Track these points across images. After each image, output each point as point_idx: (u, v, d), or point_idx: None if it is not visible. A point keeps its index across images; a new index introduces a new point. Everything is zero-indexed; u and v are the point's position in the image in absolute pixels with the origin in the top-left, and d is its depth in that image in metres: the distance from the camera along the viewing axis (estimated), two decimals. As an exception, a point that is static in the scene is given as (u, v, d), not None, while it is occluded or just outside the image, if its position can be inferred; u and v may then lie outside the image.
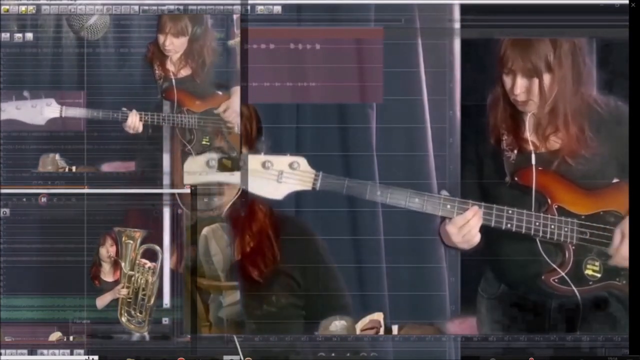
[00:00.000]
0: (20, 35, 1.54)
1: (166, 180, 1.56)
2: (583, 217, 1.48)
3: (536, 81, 1.44)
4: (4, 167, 1.54)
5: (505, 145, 1.50)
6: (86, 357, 1.54)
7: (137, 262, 1.54)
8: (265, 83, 1.52)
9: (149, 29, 1.54)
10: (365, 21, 1.53)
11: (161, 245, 1.54)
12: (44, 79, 1.55)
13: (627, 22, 1.51)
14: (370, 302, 1.53)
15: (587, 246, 1.47)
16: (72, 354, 1.54)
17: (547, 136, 1.49)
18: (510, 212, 1.44)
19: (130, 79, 1.55)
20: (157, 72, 1.57)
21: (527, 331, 1.53)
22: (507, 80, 1.46)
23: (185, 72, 1.59)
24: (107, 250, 1.54)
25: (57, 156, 1.55)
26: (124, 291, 1.54)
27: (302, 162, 1.40)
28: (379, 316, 1.51)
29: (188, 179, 1.50)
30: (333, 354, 1.52)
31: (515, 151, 1.50)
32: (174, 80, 1.58)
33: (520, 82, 1.45)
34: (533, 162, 1.48)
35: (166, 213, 1.54)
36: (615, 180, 1.50)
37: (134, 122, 1.55)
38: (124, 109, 1.55)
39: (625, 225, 1.48)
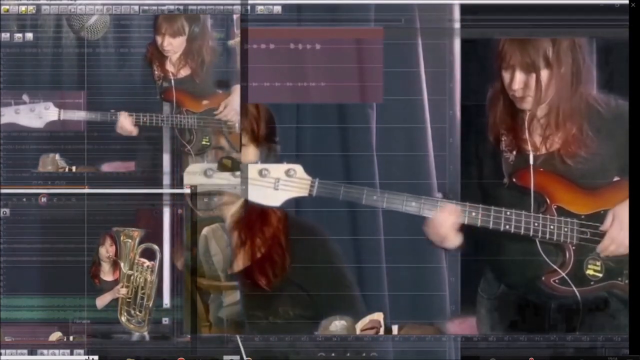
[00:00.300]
0: (20, 35, 1.54)
1: (166, 180, 1.56)
2: (583, 216, 1.47)
3: (534, 76, 1.44)
4: (4, 167, 1.54)
5: (504, 146, 1.50)
6: (86, 357, 1.54)
7: (136, 261, 1.54)
8: (265, 83, 1.52)
9: (149, 29, 1.54)
10: (365, 21, 1.53)
11: (161, 245, 1.54)
12: (44, 79, 1.55)
13: (627, 22, 1.51)
14: (370, 302, 1.53)
15: (587, 246, 1.47)
16: (72, 354, 1.54)
17: (547, 136, 1.49)
18: (508, 213, 1.44)
19: (130, 79, 1.55)
20: (156, 72, 1.57)
21: (527, 331, 1.53)
22: (506, 75, 1.47)
23: (184, 72, 1.59)
24: (107, 250, 1.54)
25: (57, 156, 1.56)
26: (124, 290, 1.54)
27: (298, 169, 1.42)
28: (379, 316, 1.51)
29: (188, 180, 1.50)
30: (333, 354, 1.52)
31: (514, 152, 1.50)
32: (173, 81, 1.58)
33: (519, 77, 1.45)
34: (531, 162, 1.48)
35: (166, 213, 1.54)
36: (615, 179, 1.50)
37: (124, 123, 1.55)
38: (112, 110, 1.55)
39: (619, 209, 1.47)
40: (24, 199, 1.54)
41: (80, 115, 1.55)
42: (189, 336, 1.54)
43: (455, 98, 1.53)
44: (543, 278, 1.48)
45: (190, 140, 1.59)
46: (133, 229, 1.54)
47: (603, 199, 1.49)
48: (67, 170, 1.55)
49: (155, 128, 1.57)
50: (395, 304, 1.54)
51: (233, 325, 1.54)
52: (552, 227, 1.46)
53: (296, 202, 1.49)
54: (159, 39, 1.55)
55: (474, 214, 1.44)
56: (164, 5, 1.53)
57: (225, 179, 1.46)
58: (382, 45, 1.52)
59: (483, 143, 1.52)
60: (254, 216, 1.50)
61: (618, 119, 1.50)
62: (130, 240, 1.54)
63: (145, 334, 1.55)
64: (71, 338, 1.55)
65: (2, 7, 1.53)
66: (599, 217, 1.48)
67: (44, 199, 1.54)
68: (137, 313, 1.55)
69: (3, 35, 1.54)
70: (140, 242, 1.54)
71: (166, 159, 1.57)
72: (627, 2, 1.51)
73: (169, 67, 1.57)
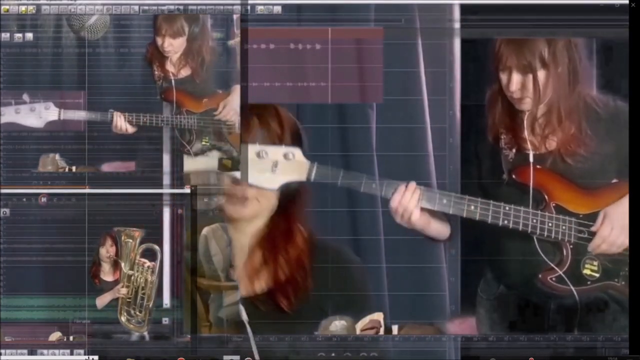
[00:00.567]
0: (20, 35, 1.54)
1: (166, 180, 1.56)
2: (581, 215, 1.48)
3: (531, 77, 1.44)
4: (4, 167, 1.54)
5: (503, 144, 1.51)
6: (86, 357, 1.54)
7: (137, 261, 1.54)
8: (265, 83, 1.52)
9: (149, 29, 1.54)
10: (365, 21, 1.53)
11: (161, 245, 1.54)
12: (44, 79, 1.55)
13: (627, 22, 1.51)
14: (370, 302, 1.53)
15: (585, 245, 1.48)
16: (72, 354, 1.54)
17: (546, 135, 1.49)
18: (507, 208, 1.45)
19: (130, 80, 1.55)
20: (156, 72, 1.57)
21: (527, 332, 1.53)
22: (503, 77, 1.47)
23: (185, 72, 1.59)
24: (107, 250, 1.54)
25: (57, 156, 1.56)
26: (124, 290, 1.54)
27: (297, 152, 1.41)
28: (379, 316, 1.51)
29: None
30: (333, 354, 1.52)
31: (514, 150, 1.50)
32: (173, 81, 1.58)
33: (516, 79, 1.45)
34: (531, 160, 1.48)
35: (166, 213, 1.54)
36: (614, 181, 1.50)
37: (118, 122, 1.55)
38: (111, 110, 1.55)
39: (611, 208, 1.47)
40: (24, 199, 1.54)
41: (80, 115, 1.55)
42: (189, 336, 1.54)
43: (455, 98, 1.53)
44: (540, 276, 1.48)
45: (190, 140, 1.59)
46: (134, 229, 1.54)
47: (601, 200, 1.49)
48: (67, 170, 1.55)
49: (155, 128, 1.57)
50: (395, 304, 1.54)
51: (233, 325, 1.54)
52: (550, 224, 1.47)
53: (296, 199, 1.49)
54: (159, 40, 1.55)
55: (472, 207, 1.44)
56: (164, 5, 1.53)
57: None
58: (382, 45, 1.52)
59: (483, 143, 1.53)
60: (278, 235, 1.48)
61: (616, 119, 1.50)
62: (131, 241, 1.54)
63: (145, 334, 1.55)
64: (71, 338, 1.55)
65: (2, 7, 1.53)
66: (597, 217, 1.48)
67: (44, 199, 1.54)
68: (137, 313, 1.55)
69: (3, 35, 1.54)
70: (141, 242, 1.54)
71: (166, 159, 1.56)
72: (627, 2, 1.51)
73: (169, 67, 1.57)
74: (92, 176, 1.55)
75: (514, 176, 1.49)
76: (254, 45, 1.52)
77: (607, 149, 1.49)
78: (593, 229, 1.47)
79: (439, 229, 1.49)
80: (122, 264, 1.54)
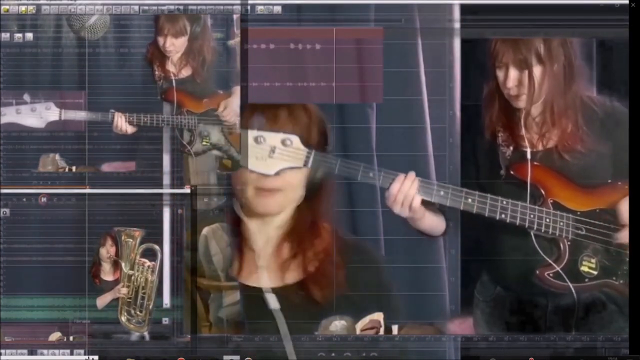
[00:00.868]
0: (20, 35, 1.54)
1: (166, 180, 1.56)
2: (579, 213, 1.48)
3: (527, 73, 1.45)
4: (4, 167, 1.54)
5: (501, 141, 1.51)
6: (86, 357, 1.54)
7: (137, 261, 1.54)
8: (265, 83, 1.52)
9: (149, 29, 1.54)
10: (365, 21, 1.53)
11: (161, 245, 1.55)
12: (44, 79, 1.55)
13: (627, 22, 1.51)
14: (370, 302, 1.53)
15: (582, 243, 1.48)
16: (72, 354, 1.54)
17: (543, 133, 1.50)
18: (504, 202, 1.45)
19: (131, 80, 1.55)
20: (156, 72, 1.57)
21: (525, 332, 1.53)
22: (500, 73, 1.48)
23: (185, 72, 1.59)
24: (107, 250, 1.54)
25: (57, 156, 1.56)
26: (124, 290, 1.54)
27: (294, 139, 1.41)
28: (379, 316, 1.51)
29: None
30: (333, 354, 1.52)
31: (511, 147, 1.51)
32: (174, 81, 1.58)
33: (513, 75, 1.46)
34: (528, 157, 1.49)
35: (166, 213, 1.54)
36: (609, 181, 1.51)
37: (119, 123, 1.55)
38: (112, 110, 1.55)
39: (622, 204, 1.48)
40: (24, 199, 1.54)
41: (81, 115, 1.55)
42: (189, 336, 1.54)
43: (455, 98, 1.53)
44: (537, 272, 1.48)
45: (190, 140, 1.59)
46: (134, 228, 1.54)
47: (599, 198, 1.49)
48: (67, 170, 1.55)
49: (155, 128, 1.57)
50: (395, 304, 1.54)
51: (233, 325, 1.54)
52: (547, 220, 1.47)
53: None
54: (160, 40, 1.55)
55: (470, 200, 1.44)
56: (164, 5, 1.53)
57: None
58: (382, 45, 1.52)
59: (480, 140, 1.53)
60: (305, 227, 1.48)
61: (613, 119, 1.50)
62: (131, 240, 1.54)
63: (145, 334, 1.55)
64: (71, 338, 1.55)
65: (2, 7, 1.53)
66: (595, 215, 1.49)
67: (44, 199, 1.54)
68: (138, 313, 1.55)
69: (3, 35, 1.54)
70: (141, 242, 1.54)
71: (166, 159, 1.57)
72: (627, 2, 1.51)
73: (170, 67, 1.57)
74: (92, 176, 1.55)
75: (511, 172, 1.50)
76: (254, 45, 1.52)
77: (603, 148, 1.49)
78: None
79: (434, 222, 1.49)
80: (123, 264, 1.54)
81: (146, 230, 1.54)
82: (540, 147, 1.50)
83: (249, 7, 1.53)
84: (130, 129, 1.55)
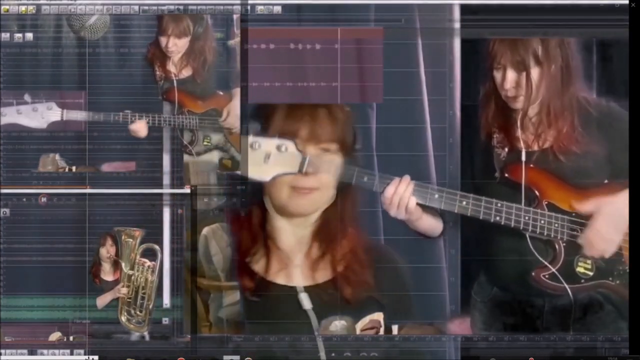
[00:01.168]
0: (20, 35, 1.54)
1: (166, 180, 1.56)
2: (574, 214, 1.48)
3: (525, 75, 1.45)
4: (4, 167, 1.54)
5: (495, 142, 1.52)
6: (86, 357, 1.54)
7: (137, 261, 1.54)
8: (265, 83, 1.52)
9: (149, 29, 1.54)
10: (365, 21, 1.53)
11: (161, 245, 1.55)
12: (44, 79, 1.55)
13: (627, 22, 1.51)
14: (370, 302, 1.53)
15: (578, 244, 1.48)
16: (72, 354, 1.54)
17: (539, 134, 1.50)
18: (499, 204, 1.45)
19: (131, 80, 1.55)
20: (157, 72, 1.57)
21: (524, 333, 1.53)
22: (497, 75, 1.48)
23: (186, 72, 1.59)
24: (107, 250, 1.54)
25: (57, 156, 1.55)
26: (124, 290, 1.54)
27: (290, 145, 1.40)
28: (379, 316, 1.51)
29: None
30: (333, 354, 1.52)
31: (506, 148, 1.51)
32: (175, 81, 1.58)
33: (510, 76, 1.46)
34: (523, 158, 1.49)
35: (166, 213, 1.54)
36: (605, 182, 1.51)
37: (140, 127, 1.55)
38: (127, 111, 1.55)
39: (603, 204, 1.47)
40: (24, 199, 1.54)
41: (83, 115, 1.55)
42: (189, 336, 1.54)
43: (455, 98, 1.53)
44: (533, 274, 1.48)
45: (191, 141, 1.59)
46: (135, 228, 1.54)
47: (594, 200, 1.49)
48: (67, 170, 1.55)
49: (155, 128, 1.57)
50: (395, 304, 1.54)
51: (233, 325, 1.54)
52: (542, 221, 1.47)
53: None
54: (163, 40, 1.55)
55: (464, 203, 1.45)
56: (164, 5, 1.53)
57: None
58: (382, 45, 1.52)
59: (476, 142, 1.53)
60: (334, 227, 1.48)
61: (608, 120, 1.50)
62: (131, 240, 1.54)
63: (145, 334, 1.55)
64: (71, 338, 1.55)
65: (2, 7, 1.53)
66: (590, 216, 1.48)
67: (44, 199, 1.54)
68: (138, 313, 1.55)
69: (3, 35, 1.54)
70: (142, 242, 1.54)
71: (166, 159, 1.56)
72: (627, 2, 1.51)
73: (171, 68, 1.57)
74: (92, 176, 1.55)
75: (506, 174, 1.50)
76: (254, 45, 1.52)
77: (599, 149, 1.49)
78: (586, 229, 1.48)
79: (432, 223, 1.50)
80: (123, 264, 1.54)
81: (146, 230, 1.54)
82: (535, 148, 1.50)
83: (249, 7, 1.53)
84: (145, 131, 1.55)
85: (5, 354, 1.53)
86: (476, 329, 1.55)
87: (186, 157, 1.58)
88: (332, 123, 1.43)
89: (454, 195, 1.45)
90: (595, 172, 1.50)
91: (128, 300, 1.55)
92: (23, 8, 1.53)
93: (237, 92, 1.54)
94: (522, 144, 1.50)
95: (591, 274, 1.49)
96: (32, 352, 1.54)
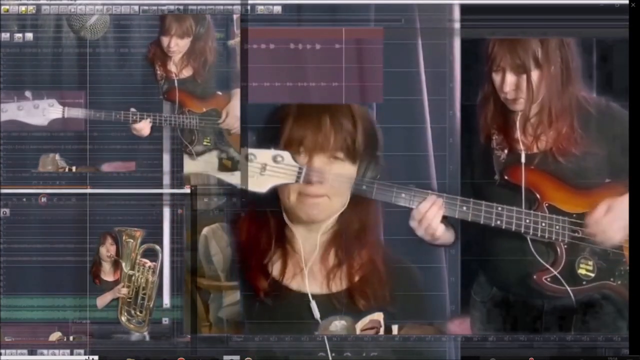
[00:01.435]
0: (20, 35, 1.54)
1: (166, 180, 1.56)
2: (574, 215, 1.48)
3: (525, 78, 1.45)
4: (4, 167, 1.54)
5: (495, 144, 1.51)
6: (86, 357, 1.54)
7: (138, 261, 1.54)
8: (265, 83, 1.52)
9: (150, 29, 1.54)
10: (365, 21, 1.53)
11: (161, 245, 1.55)
12: (44, 80, 1.55)
13: (627, 22, 1.51)
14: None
15: (579, 245, 1.48)
16: (72, 354, 1.54)
17: (538, 135, 1.49)
18: (499, 208, 1.45)
19: (132, 79, 1.55)
20: (158, 72, 1.57)
21: (524, 333, 1.53)
22: (497, 78, 1.48)
23: (186, 72, 1.59)
24: (107, 249, 1.54)
25: (57, 156, 1.55)
26: (124, 290, 1.54)
27: (286, 156, 1.40)
28: (379, 316, 1.51)
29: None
30: (333, 354, 1.52)
31: (506, 150, 1.51)
32: (176, 81, 1.58)
33: (510, 79, 1.46)
34: (523, 160, 1.48)
35: (166, 213, 1.54)
36: (607, 181, 1.51)
37: (144, 126, 1.55)
38: (133, 109, 1.55)
39: (615, 201, 1.47)
40: (24, 199, 1.54)
41: (84, 113, 1.55)
42: (189, 336, 1.54)
43: (455, 98, 1.53)
44: (535, 277, 1.48)
45: (192, 141, 1.59)
46: (135, 228, 1.54)
47: (594, 199, 1.49)
48: (67, 170, 1.55)
49: (156, 128, 1.57)
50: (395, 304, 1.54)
51: (233, 325, 1.54)
52: (543, 224, 1.47)
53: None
54: (165, 40, 1.55)
55: (464, 208, 1.44)
56: (164, 5, 1.53)
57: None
58: (382, 45, 1.52)
59: (476, 143, 1.53)
60: (350, 234, 1.47)
61: (608, 119, 1.50)
62: (132, 240, 1.54)
63: (145, 334, 1.55)
64: (71, 338, 1.55)
65: (2, 7, 1.53)
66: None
67: (44, 199, 1.54)
68: (138, 313, 1.55)
69: (3, 35, 1.54)
70: (142, 242, 1.54)
71: (166, 159, 1.56)
72: (627, 2, 1.51)
73: (171, 67, 1.57)
74: (92, 176, 1.55)
75: (506, 177, 1.50)
76: (254, 45, 1.52)
77: (599, 149, 1.49)
78: (591, 216, 1.47)
79: (447, 238, 1.49)
80: (123, 264, 1.54)
81: (146, 230, 1.54)
82: (535, 150, 1.50)
83: (249, 7, 1.53)
84: (148, 131, 1.55)
85: (5, 354, 1.53)
86: (476, 329, 1.55)
87: (186, 157, 1.58)
88: (337, 131, 1.42)
89: (454, 201, 1.44)
90: (595, 172, 1.50)
91: (128, 300, 1.55)
92: (23, 8, 1.53)
93: (236, 92, 1.54)
94: (521, 146, 1.49)
95: (593, 275, 1.49)
96: (32, 352, 1.54)
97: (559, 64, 1.47)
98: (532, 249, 1.48)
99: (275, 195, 1.45)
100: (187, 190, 1.55)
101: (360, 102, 1.53)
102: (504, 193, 1.49)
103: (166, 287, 1.55)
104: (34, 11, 1.53)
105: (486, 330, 1.55)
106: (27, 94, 1.54)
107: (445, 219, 1.46)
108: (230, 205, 1.54)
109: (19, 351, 1.54)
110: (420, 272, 1.52)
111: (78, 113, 1.55)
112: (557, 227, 1.47)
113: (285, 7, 1.53)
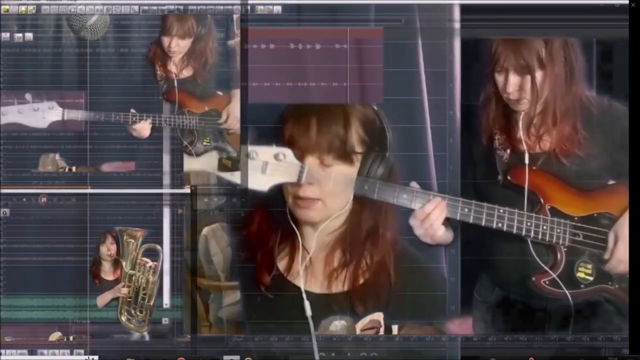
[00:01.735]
0: (20, 35, 1.54)
1: (166, 180, 1.56)
2: (576, 218, 1.48)
3: (529, 78, 1.44)
4: (4, 167, 1.54)
5: (497, 145, 1.51)
6: (86, 357, 1.54)
7: (138, 261, 1.54)
8: (265, 83, 1.52)
9: (150, 29, 1.54)
10: (365, 21, 1.53)
11: (161, 245, 1.54)
12: (44, 80, 1.55)
13: (627, 22, 1.51)
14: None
15: (579, 249, 1.48)
16: (72, 354, 1.54)
17: (541, 135, 1.49)
18: (501, 211, 1.45)
19: (132, 80, 1.55)
20: (158, 72, 1.57)
21: (524, 333, 1.53)
22: (500, 78, 1.47)
23: (186, 72, 1.58)
24: (108, 248, 1.54)
25: (57, 156, 1.55)
26: (125, 290, 1.54)
27: (287, 153, 1.40)
28: (379, 316, 1.51)
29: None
30: (333, 354, 1.52)
31: (508, 150, 1.50)
32: (176, 81, 1.58)
33: (513, 80, 1.46)
34: (526, 161, 1.48)
35: (166, 213, 1.54)
36: (610, 182, 1.50)
37: (144, 127, 1.55)
38: (133, 110, 1.55)
39: (619, 227, 1.47)
40: (24, 199, 1.54)
41: (84, 114, 1.55)
42: (189, 336, 1.54)
43: (455, 98, 1.53)
44: (534, 279, 1.48)
45: (192, 141, 1.59)
46: (136, 228, 1.54)
47: (597, 202, 1.49)
48: (67, 170, 1.55)
49: (156, 128, 1.56)
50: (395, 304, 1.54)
51: (233, 325, 1.54)
52: (544, 227, 1.46)
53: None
54: (166, 40, 1.55)
55: (466, 210, 1.44)
56: (164, 5, 1.53)
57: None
58: (382, 45, 1.52)
59: (478, 143, 1.53)
60: (361, 236, 1.47)
61: (610, 120, 1.50)
62: (133, 240, 1.54)
63: (145, 334, 1.55)
64: (71, 338, 1.55)
65: (2, 7, 1.53)
66: (592, 219, 1.48)
67: (44, 199, 1.54)
68: (138, 313, 1.55)
69: (3, 35, 1.54)
70: (143, 242, 1.54)
71: (166, 159, 1.56)
72: (627, 2, 1.51)
73: (172, 68, 1.57)
74: (92, 176, 1.55)
75: (509, 177, 1.49)
76: (254, 45, 1.52)
77: (602, 150, 1.49)
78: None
79: (445, 237, 1.49)
80: (124, 264, 1.54)
81: (146, 230, 1.54)
82: (537, 150, 1.50)
83: (249, 7, 1.53)
84: (148, 132, 1.55)
85: (5, 354, 1.53)
86: (478, 329, 1.55)
87: (186, 157, 1.58)
88: (331, 132, 1.42)
89: (456, 202, 1.44)
90: (599, 173, 1.49)
91: (128, 300, 1.55)
92: (23, 8, 1.53)
93: (236, 93, 1.54)
94: (524, 146, 1.49)
95: (591, 278, 1.49)
96: (32, 352, 1.54)
97: (563, 64, 1.46)
98: (532, 251, 1.48)
99: (281, 192, 1.45)
100: (187, 190, 1.55)
101: (360, 102, 1.53)
102: (507, 194, 1.49)
103: (166, 287, 1.55)
104: (34, 11, 1.53)
105: (488, 330, 1.55)
106: (27, 96, 1.54)
107: (447, 220, 1.45)
108: (230, 205, 1.54)
109: (19, 351, 1.54)
110: (429, 274, 1.51)
111: (78, 115, 1.55)
112: (559, 230, 1.47)
113: (285, 7, 1.53)
